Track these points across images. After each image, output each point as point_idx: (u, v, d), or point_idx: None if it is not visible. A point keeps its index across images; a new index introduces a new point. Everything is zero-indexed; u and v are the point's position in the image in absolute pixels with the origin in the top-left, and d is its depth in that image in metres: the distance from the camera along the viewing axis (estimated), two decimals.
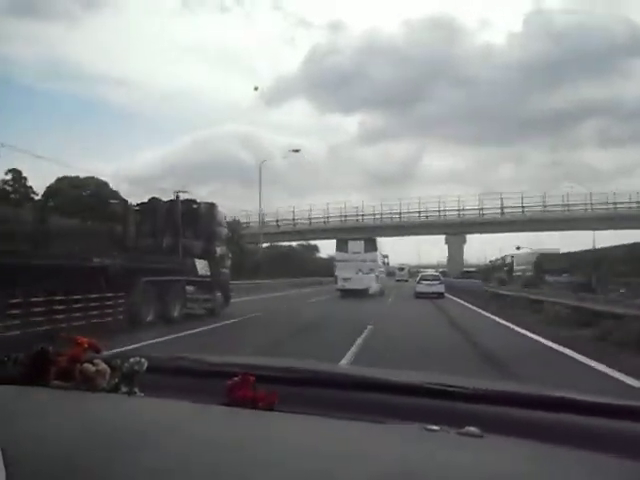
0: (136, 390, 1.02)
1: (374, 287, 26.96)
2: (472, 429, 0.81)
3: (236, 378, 0.99)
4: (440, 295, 25.54)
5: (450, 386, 1.11)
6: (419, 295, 25.54)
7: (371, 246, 28.41)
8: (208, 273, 13.79)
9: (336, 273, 27.84)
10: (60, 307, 8.85)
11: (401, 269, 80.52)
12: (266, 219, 42.65)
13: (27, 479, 0.58)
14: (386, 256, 36.65)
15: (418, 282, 28.62)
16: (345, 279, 26.77)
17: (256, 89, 55.46)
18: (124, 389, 1.01)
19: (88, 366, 1.02)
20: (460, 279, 36.99)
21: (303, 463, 0.64)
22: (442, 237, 49.91)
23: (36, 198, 28.68)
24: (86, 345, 1.10)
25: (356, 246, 27.95)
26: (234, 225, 32.91)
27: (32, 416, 0.79)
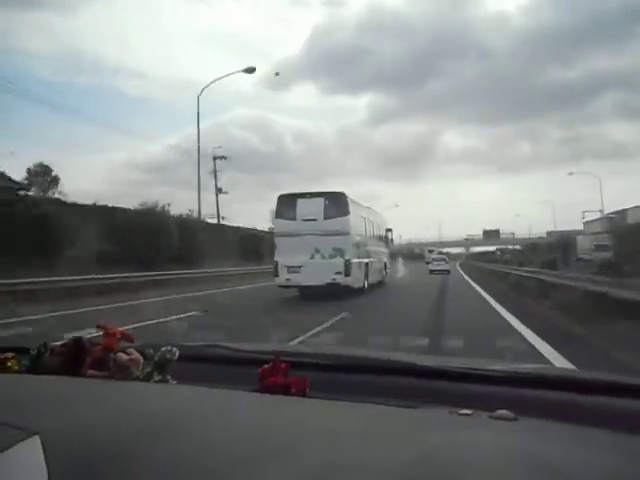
0: (169, 378, 1.03)
1: (354, 278, 14.55)
2: (505, 412, 0.80)
3: (267, 365, 0.99)
4: (447, 272, 32.70)
5: (481, 369, 1.10)
6: (432, 271, 33.03)
7: (338, 207, 14.49)
8: None
9: (276, 258, 14.61)
10: None
11: (431, 251, 68.40)
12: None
13: (66, 467, 0.59)
14: (389, 230, 22.62)
15: (429, 262, 39.86)
16: (291, 268, 14.12)
17: (277, 74, 54.30)
18: (157, 377, 1.03)
19: (122, 355, 1.04)
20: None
21: (335, 448, 0.65)
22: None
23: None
24: (119, 335, 1.12)
25: (310, 207, 14.42)
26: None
27: (68, 405, 0.81)
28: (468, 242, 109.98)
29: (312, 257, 14.17)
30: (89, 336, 1.16)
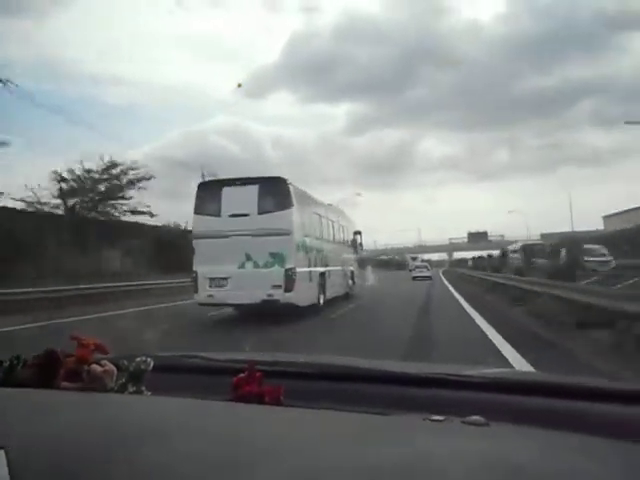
0: (143, 389, 1.03)
1: (301, 293, 10.93)
2: (477, 418, 0.81)
3: (242, 374, 1.00)
4: (429, 278, 35.98)
5: (454, 375, 1.11)
6: (415, 278, 36.11)
7: (278, 197, 11.09)
8: None
9: (195, 267, 11.20)
10: None
11: (414, 259, 70.65)
12: None
13: None
14: (358, 233, 19.46)
15: (412, 270, 43.43)
16: (214, 281, 10.89)
17: (239, 86, 55.14)
18: (131, 389, 1.02)
19: (95, 367, 1.03)
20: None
21: (309, 456, 0.65)
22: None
23: None
24: (93, 346, 1.11)
25: (239, 198, 11.07)
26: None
27: (41, 418, 0.80)
28: (451, 246, 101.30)
29: (242, 266, 10.58)
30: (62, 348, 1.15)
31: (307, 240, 11.92)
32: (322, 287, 12.77)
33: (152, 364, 1.05)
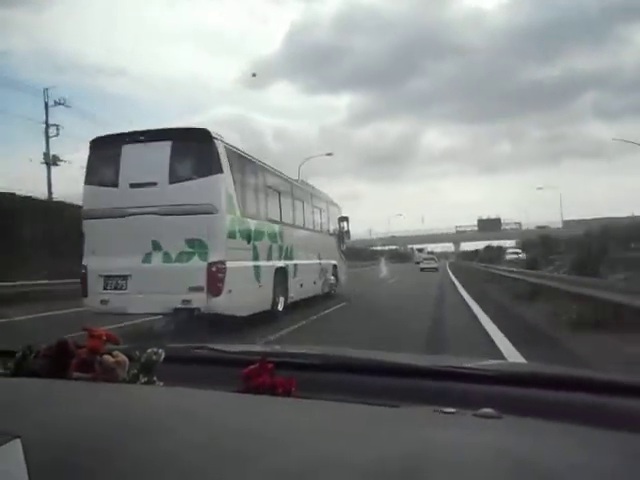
0: (155, 380, 1.03)
1: (237, 298, 7.46)
2: (489, 410, 0.81)
3: (253, 366, 1.00)
4: (436, 269, 39.50)
5: (465, 368, 1.11)
6: (423, 269, 39.57)
7: (199, 158, 7.62)
8: None
9: (84, 260, 7.74)
10: None
11: (421, 251, 70.36)
12: None
13: (48, 470, 0.59)
14: (344, 219, 16.19)
15: (420, 262, 46.18)
16: (110, 280, 7.46)
17: (254, 75, 55.04)
18: (143, 379, 1.03)
19: (107, 357, 1.04)
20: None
21: (320, 447, 0.65)
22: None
23: None
24: (105, 337, 1.11)
25: (144, 160, 7.46)
26: None
27: (53, 408, 0.81)
28: (459, 236, 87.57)
29: (147, 259, 7.44)
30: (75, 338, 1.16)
31: (249, 223, 8.25)
32: (281, 287, 9.39)
33: (163, 355, 1.05)
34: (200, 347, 1.36)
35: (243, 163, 8.70)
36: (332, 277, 14.19)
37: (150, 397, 0.91)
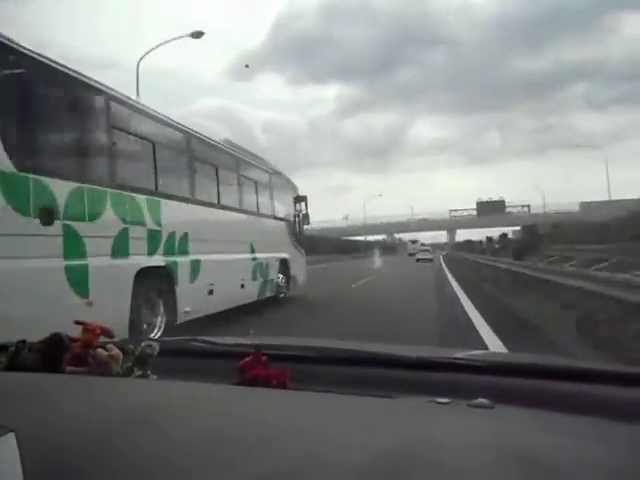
0: (149, 373, 1.03)
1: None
2: (482, 400, 0.82)
3: (248, 358, 1.00)
4: (430, 260, 39.24)
5: (459, 359, 1.12)
6: (419, 260, 39.90)
7: None
8: None
9: None
10: None
11: (414, 242, 65.18)
12: None
13: (42, 464, 0.58)
14: (301, 200, 12.14)
15: (416, 253, 47.10)
16: None
17: (247, 67, 54.58)
18: (137, 373, 1.03)
19: (101, 351, 1.03)
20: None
21: (315, 439, 0.65)
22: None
23: None
24: (98, 331, 1.11)
25: None
26: None
27: (47, 402, 0.80)
28: (454, 222, 71.34)
29: None
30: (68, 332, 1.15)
31: (45, 186, 4.56)
32: (157, 299, 6.25)
33: (158, 348, 1.05)
34: (194, 340, 1.35)
35: (32, 70, 4.64)
36: (280, 276, 10.45)
37: (144, 391, 0.91)
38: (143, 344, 1.06)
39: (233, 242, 8.27)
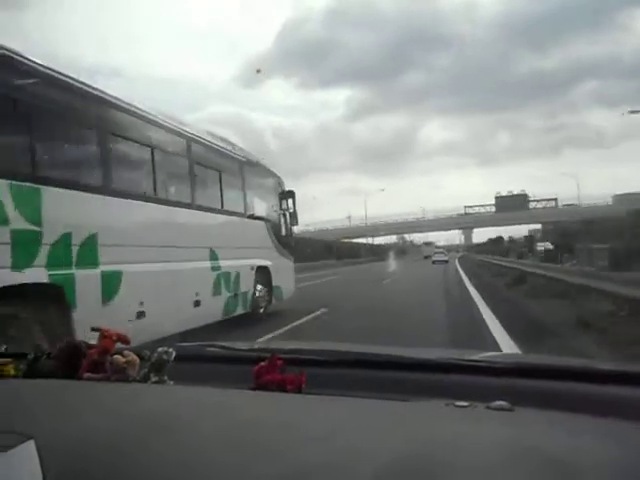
0: (166, 379, 1.04)
1: None
2: (502, 403, 0.81)
3: (263, 363, 1.00)
4: (446, 262, 41.08)
5: (475, 361, 1.10)
6: (435, 262, 41.19)
7: None
8: None
9: None
10: None
11: (428, 244, 63.85)
12: None
13: (62, 470, 0.59)
14: (287, 196, 9.82)
15: (431, 255, 49.52)
16: None
17: (259, 72, 54.62)
18: (154, 379, 1.03)
19: (118, 358, 1.04)
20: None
21: (331, 443, 0.65)
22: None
23: None
24: (115, 337, 1.12)
25: None
26: None
27: (65, 409, 0.81)
28: (469, 220, 62.84)
29: None
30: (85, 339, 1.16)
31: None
32: (36, 330, 4.16)
33: (174, 354, 1.06)
34: (210, 345, 1.36)
35: None
36: (259, 287, 8.58)
37: (161, 396, 0.92)
38: (159, 350, 1.06)
39: (181, 247, 6.21)
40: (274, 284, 9.13)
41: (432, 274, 24.48)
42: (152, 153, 6.06)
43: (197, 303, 6.48)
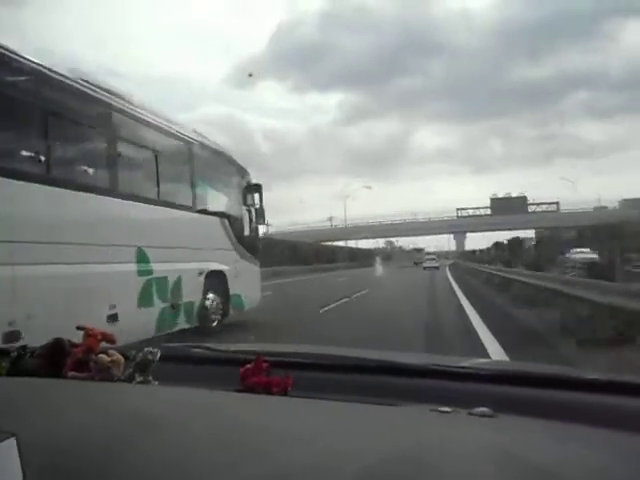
0: (150, 379, 1.03)
1: None
2: (484, 409, 0.81)
3: (249, 365, 1.00)
4: (437, 268, 41.66)
5: (460, 367, 1.11)
6: (425, 268, 41.89)
7: None
8: None
9: None
10: None
11: (419, 250, 61.96)
12: None
13: (43, 469, 0.59)
14: (253, 190, 8.50)
15: (422, 262, 48.99)
16: None
17: (250, 75, 54.36)
18: (139, 379, 1.03)
19: (103, 357, 1.04)
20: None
21: (316, 446, 0.65)
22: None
23: None
24: (100, 336, 1.11)
25: None
26: None
27: (48, 407, 0.81)
28: (462, 223, 58.99)
29: None
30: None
31: None
32: None
33: (159, 354, 1.05)
34: (196, 346, 1.35)
35: None
36: (211, 296, 7.28)
37: (145, 397, 0.91)
38: (145, 350, 1.06)
39: (89, 245, 4.91)
40: (232, 292, 7.72)
41: (410, 294, 16.05)
42: (45, 117, 4.47)
43: (112, 318, 4.97)
